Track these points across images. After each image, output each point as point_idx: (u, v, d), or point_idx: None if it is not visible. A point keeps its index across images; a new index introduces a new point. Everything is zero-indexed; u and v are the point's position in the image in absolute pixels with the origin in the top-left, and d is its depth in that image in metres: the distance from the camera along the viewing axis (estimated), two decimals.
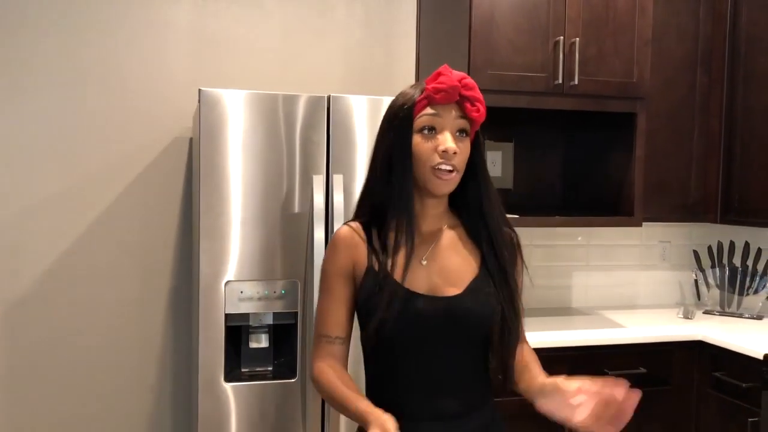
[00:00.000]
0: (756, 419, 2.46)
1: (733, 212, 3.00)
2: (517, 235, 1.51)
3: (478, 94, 1.39)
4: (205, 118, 2.13)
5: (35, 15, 2.62)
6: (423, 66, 2.99)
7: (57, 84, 2.65)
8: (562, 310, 3.19)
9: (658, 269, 3.41)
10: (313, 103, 2.22)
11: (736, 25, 3.00)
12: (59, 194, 2.67)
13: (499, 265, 1.42)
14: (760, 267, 3.13)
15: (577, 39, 2.68)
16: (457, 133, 1.37)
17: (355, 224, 1.44)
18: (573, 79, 2.68)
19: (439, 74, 1.38)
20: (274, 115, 2.19)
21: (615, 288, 3.35)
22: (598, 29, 2.72)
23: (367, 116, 2.26)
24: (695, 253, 3.36)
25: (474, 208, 1.44)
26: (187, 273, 2.77)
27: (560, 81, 2.68)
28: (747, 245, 3.18)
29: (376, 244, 1.40)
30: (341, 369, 1.41)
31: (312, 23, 2.89)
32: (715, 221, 3.09)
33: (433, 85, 1.36)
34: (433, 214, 1.43)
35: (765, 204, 2.85)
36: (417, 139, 1.36)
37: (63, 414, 2.69)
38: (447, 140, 1.34)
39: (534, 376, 1.43)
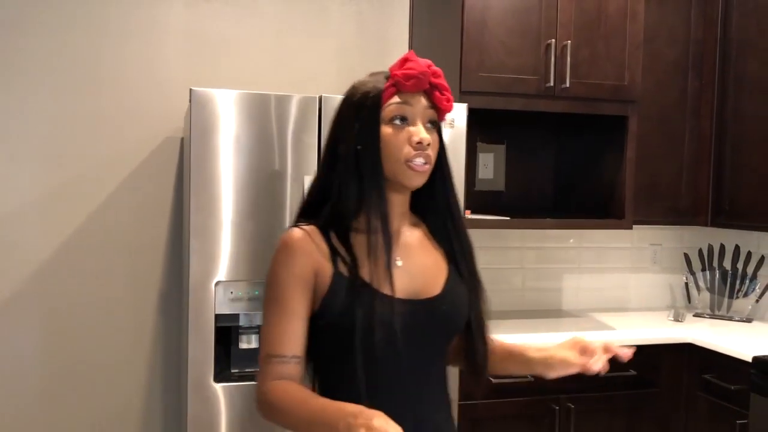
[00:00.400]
0: (744, 421, 2.47)
1: (724, 215, 3.02)
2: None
3: (446, 83, 1.31)
4: (196, 117, 2.12)
5: (26, 14, 2.61)
6: None
7: (48, 83, 2.64)
8: (552, 312, 3.20)
9: (648, 272, 3.42)
10: (305, 103, 2.22)
11: (727, 30, 3.02)
12: (50, 193, 2.66)
13: (467, 264, 1.38)
14: (750, 270, 3.15)
15: (569, 42, 2.69)
16: (428, 124, 1.29)
17: (309, 227, 1.29)
18: (565, 82, 2.69)
19: (407, 60, 1.29)
20: (265, 116, 2.18)
21: (606, 290, 3.36)
22: (589, 32, 2.73)
23: None
24: (686, 256, 3.37)
25: (440, 204, 1.36)
26: (177, 273, 2.76)
27: (552, 84, 2.68)
28: (737, 248, 3.20)
29: (340, 248, 1.27)
30: (299, 385, 1.24)
31: (304, 24, 2.88)
32: (705, 224, 3.10)
33: (403, 71, 1.27)
34: (398, 212, 1.34)
35: (755, 207, 2.86)
36: (386, 130, 1.26)
37: (50, 413, 2.67)
38: (420, 131, 1.26)
39: (522, 350, 1.42)
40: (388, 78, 1.28)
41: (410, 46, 3.01)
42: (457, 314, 1.33)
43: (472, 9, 2.61)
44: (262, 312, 1.29)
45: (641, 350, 2.69)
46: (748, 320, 3.09)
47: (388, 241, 1.26)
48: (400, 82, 1.27)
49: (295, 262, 1.25)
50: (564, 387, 2.63)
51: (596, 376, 2.70)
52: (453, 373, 2.37)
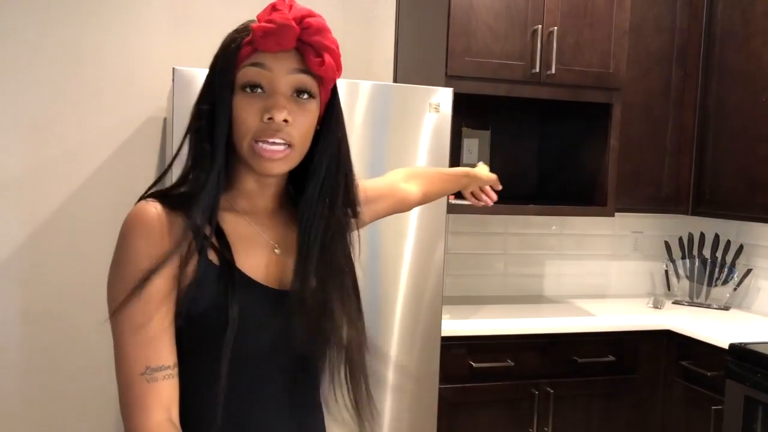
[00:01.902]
0: (719, 407, 2.51)
1: (705, 204, 3.05)
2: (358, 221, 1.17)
3: (329, 41, 1.02)
4: (179, 97, 2.10)
5: None
6: (402, 50, 2.98)
7: (29, 62, 2.60)
8: (533, 298, 3.22)
9: (629, 259, 3.45)
10: None
11: (712, 21, 3.03)
12: (31, 172, 2.63)
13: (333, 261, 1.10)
14: (729, 259, 3.19)
15: (555, 28, 2.68)
16: (294, 94, 1.01)
17: (157, 205, 1.00)
18: (550, 69, 2.69)
19: (273, 8, 1.00)
20: None
21: (587, 277, 3.39)
22: (576, 19, 2.73)
23: (343, 100, 2.21)
24: (666, 244, 3.41)
25: (313, 199, 1.08)
26: None
27: (537, 70, 2.68)
28: (717, 237, 3.23)
29: (205, 230, 1.00)
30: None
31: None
32: (686, 213, 3.13)
33: (260, 24, 0.98)
34: (272, 191, 1.09)
35: (735, 197, 2.89)
36: (239, 99, 1.00)
37: (31, 399, 2.66)
38: (276, 104, 0.98)
39: (441, 172, 1.53)
40: (250, 31, 1.00)
41: (397, 30, 2.99)
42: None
43: None
44: (115, 309, 0.98)
45: (621, 337, 2.75)
46: (726, 308, 3.13)
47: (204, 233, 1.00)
48: (257, 39, 0.98)
49: (153, 242, 0.97)
50: (543, 372, 2.66)
51: (575, 362, 2.73)
52: (433, 357, 2.39)
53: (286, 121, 0.98)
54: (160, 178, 1.12)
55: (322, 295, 1.06)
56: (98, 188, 2.70)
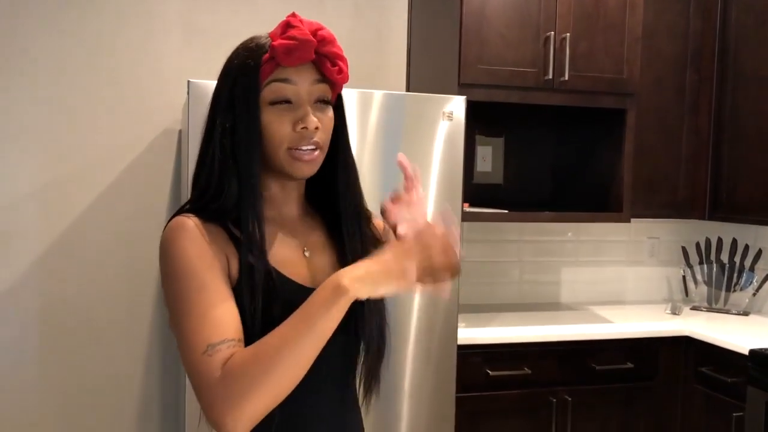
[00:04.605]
0: (740, 414, 2.48)
1: (721, 209, 3.02)
2: (378, 229, 1.23)
3: (340, 50, 1.11)
4: (194, 109, 2.12)
5: (23, 6, 2.60)
6: (414, 59, 2.99)
7: (45, 76, 2.63)
8: (550, 305, 3.20)
9: (646, 265, 3.43)
10: None
11: (726, 25, 3.01)
12: (48, 185, 2.65)
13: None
14: (748, 263, 3.16)
15: (568, 35, 2.68)
16: (317, 102, 1.10)
17: (194, 217, 1.07)
18: (563, 75, 2.68)
19: (288, 25, 1.08)
20: None
21: (603, 284, 3.36)
22: (588, 25, 2.73)
23: (356, 110, 2.25)
24: (683, 249, 3.38)
25: (337, 196, 1.17)
26: None
27: (551, 76, 2.68)
28: (735, 242, 3.21)
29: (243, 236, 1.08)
30: None
31: (302, 15, 2.87)
32: (703, 218, 3.11)
33: (281, 41, 1.06)
34: (295, 197, 1.18)
35: (753, 201, 2.87)
36: (267, 116, 1.07)
37: (48, 404, 2.68)
38: (307, 114, 1.07)
39: None
40: (269, 48, 1.07)
41: (409, 39, 3.00)
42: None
43: (472, 1, 2.60)
44: (176, 312, 1.03)
45: (639, 343, 2.73)
46: (745, 313, 3.10)
47: (259, 237, 1.07)
48: (280, 56, 1.05)
49: (201, 243, 1.04)
50: (561, 380, 2.65)
51: (593, 369, 2.72)
52: (450, 365, 2.38)
53: (317, 128, 1.08)
54: (200, 195, 1.13)
55: None
56: (114, 200, 2.72)
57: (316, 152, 1.09)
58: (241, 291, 1.04)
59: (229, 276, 1.05)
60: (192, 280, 1.01)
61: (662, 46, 3.03)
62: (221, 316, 0.99)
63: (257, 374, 0.93)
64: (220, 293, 1.01)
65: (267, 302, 1.04)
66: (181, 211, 1.11)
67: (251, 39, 1.11)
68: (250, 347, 0.97)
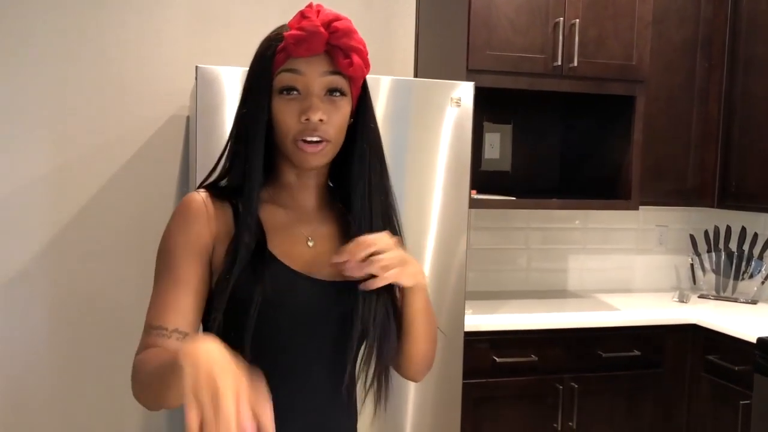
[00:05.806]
0: (747, 402, 2.48)
1: (731, 197, 3.01)
2: (399, 231, 1.21)
3: (356, 41, 1.10)
4: (202, 95, 2.12)
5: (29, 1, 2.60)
6: (422, 44, 2.98)
7: (52, 61, 2.63)
8: (557, 293, 3.20)
9: (654, 253, 3.42)
10: None
11: (737, 11, 2.98)
12: (55, 172, 2.66)
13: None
14: (756, 252, 3.14)
15: (577, 20, 2.66)
16: (327, 93, 1.09)
17: (204, 193, 1.13)
18: (572, 61, 2.67)
19: (302, 16, 1.09)
20: None
21: (611, 271, 3.36)
22: (598, 11, 2.71)
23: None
24: (692, 237, 3.37)
25: (355, 187, 1.16)
26: None
27: (560, 63, 2.66)
28: (743, 230, 3.19)
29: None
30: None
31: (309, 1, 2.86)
32: (712, 206, 3.09)
33: (292, 32, 1.07)
34: (311, 185, 1.18)
35: (762, 189, 2.85)
36: (277, 103, 1.09)
37: (58, 394, 2.70)
38: (311, 106, 1.07)
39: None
40: (282, 38, 1.08)
41: (417, 24, 2.99)
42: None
43: None
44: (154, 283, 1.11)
45: (646, 331, 2.73)
46: (754, 302, 3.09)
47: (250, 222, 1.09)
48: (290, 46, 1.07)
49: (190, 227, 1.09)
50: (567, 367, 2.65)
51: (600, 357, 2.72)
52: (456, 352, 2.39)
53: (321, 120, 1.07)
54: (210, 174, 1.19)
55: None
56: (123, 186, 2.72)
57: (322, 144, 1.09)
58: (231, 263, 1.08)
59: (225, 251, 1.09)
60: (166, 259, 1.10)
61: (672, 32, 3.00)
62: (171, 303, 1.07)
63: (136, 381, 1.04)
64: (185, 283, 1.08)
65: (249, 279, 1.07)
66: (201, 185, 1.17)
67: (276, 28, 1.13)
68: (149, 352, 1.04)
